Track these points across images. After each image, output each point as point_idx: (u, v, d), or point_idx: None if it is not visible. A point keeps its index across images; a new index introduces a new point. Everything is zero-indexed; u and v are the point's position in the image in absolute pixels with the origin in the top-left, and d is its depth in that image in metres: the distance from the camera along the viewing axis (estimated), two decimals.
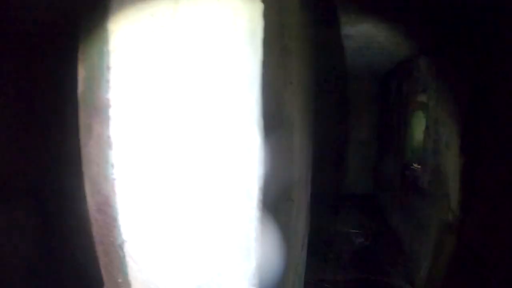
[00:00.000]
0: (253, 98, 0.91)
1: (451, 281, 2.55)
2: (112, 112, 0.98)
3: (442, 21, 2.54)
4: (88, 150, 1.06)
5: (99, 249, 1.11)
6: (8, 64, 1.96)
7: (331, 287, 3.57)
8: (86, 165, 1.09)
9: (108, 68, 0.97)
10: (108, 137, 0.98)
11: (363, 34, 3.33)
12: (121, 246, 1.02)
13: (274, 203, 1.18)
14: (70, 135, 1.27)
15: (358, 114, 6.57)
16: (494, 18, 1.99)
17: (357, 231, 4.84)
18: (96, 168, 1.04)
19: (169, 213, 0.98)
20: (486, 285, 2.00)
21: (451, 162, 2.64)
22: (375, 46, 3.77)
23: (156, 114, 0.95)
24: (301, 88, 1.52)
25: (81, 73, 1.06)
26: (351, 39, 3.53)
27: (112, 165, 0.99)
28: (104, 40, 0.97)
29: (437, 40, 3.00)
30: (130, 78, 0.96)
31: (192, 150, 0.95)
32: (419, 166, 3.80)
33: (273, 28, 0.99)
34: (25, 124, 2.11)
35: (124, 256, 1.02)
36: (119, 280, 1.04)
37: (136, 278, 1.02)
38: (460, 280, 2.39)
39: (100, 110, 0.99)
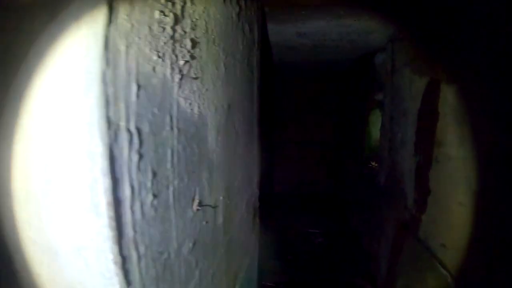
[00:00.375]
0: (92, 101, 0.72)
1: (410, 279, 2.53)
2: None
3: (400, 14, 2.51)
4: None
5: None
6: None
7: None
8: None
9: None
10: None
11: (317, 31, 3.27)
12: None
13: (180, 213, 1.03)
14: None
15: (318, 114, 6.59)
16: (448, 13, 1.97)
17: (317, 230, 4.80)
18: None
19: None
20: (443, 282, 1.98)
21: (406, 160, 2.62)
22: (330, 45, 3.74)
23: None
24: (220, 86, 1.36)
25: None
26: (305, 37, 3.47)
27: None
28: None
29: (392, 36, 3.00)
30: None
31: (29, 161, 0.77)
32: (377, 165, 3.81)
33: None
34: None
35: None
36: None
37: None
38: (418, 278, 2.37)
39: None
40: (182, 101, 1.03)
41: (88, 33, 0.71)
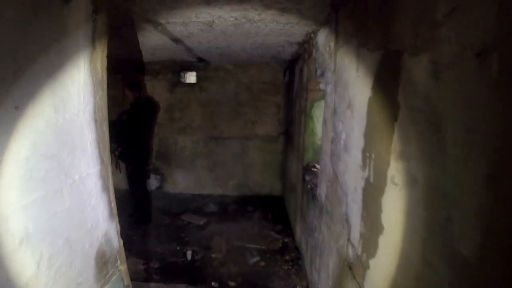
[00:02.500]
0: None
1: None
2: None
3: None
4: None
5: None
6: None
7: None
8: None
9: None
10: None
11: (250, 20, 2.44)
12: None
13: None
14: None
15: (263, 109, 5.75)
16: None
17: (254, 246, 3.99)
18: None
19: None
20: None
21: (351, 174, 1.83)
22: (264, 32, 2.92)
23: None
24: None
25: None
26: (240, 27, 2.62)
27: None
28: None
29: (334, 7, 2.18)
30: None
31: None
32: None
33: None
34: None
35: None
36: None
37: None
38: None
39: None
40: None
41: None
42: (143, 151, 4.64)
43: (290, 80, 5.17)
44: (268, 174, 5.96)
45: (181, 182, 6.07)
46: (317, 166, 3.44)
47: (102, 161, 1.49)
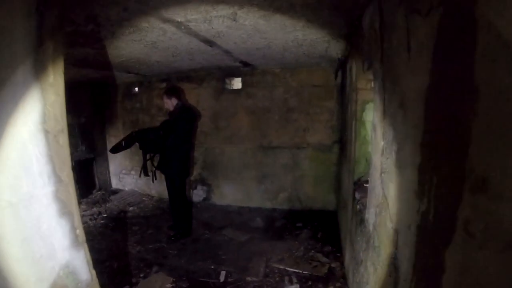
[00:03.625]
0: None
1: None
2: None
3: None
4: None
5: None
6: None
7: None
8: None
9: None
10: None
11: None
12: None
13: None
14: None
15: (315, 115, 5.21)
16: None
17: (297, 270, 3.46)
18: None
19: None
20: None
21: (403, 203, 1.27)
22: (301, 24, 2.45)
23: None
24: None
25: None
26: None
27: None
28: None
29: None
30: None
31: None
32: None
33: None
34: None
35: None
36: None
37: None
38: None
39: None
40: None
41: None
42: (183, 161, 4.45)
43: (342, 82, 4.58)
44: (321, 187, 5.37)
45: (228, 194, 5.78)
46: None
47: (58, 180, 1.18)
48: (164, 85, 5.75)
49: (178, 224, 4.48)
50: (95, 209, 5.50)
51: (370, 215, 1.96)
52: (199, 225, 4.88)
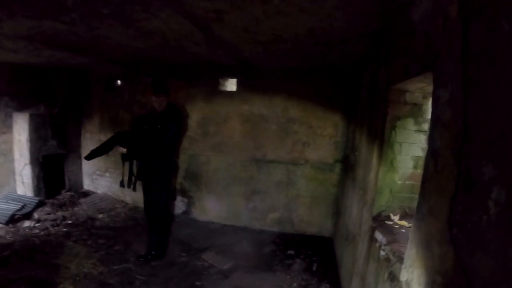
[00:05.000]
0: None
1: None
2: None
3: None
4: None
5: None
6: None
7: None
8: None
9: None
10: None
11: None
12: None
13: None
14: None
15: (318, 129, 4.63)
16: None
17: None
18: None
19: None
20: None
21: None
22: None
23: None
24: None
25: None
26: None
27: None
28: None
29: None
30: None
31: None
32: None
33: None
34: None
35: None
36: None
37: None
38: None
39: None
40: None
41: None
42: (170, 170, 3.80)
43: (353, 94, 4.03)
44: (317, 210, 4.75)
45: (212, 209, 5.10)
46: (396, 220, 2.22)
47: None
48: (148, 80, 5.09)
49: (156, 244, 3.80)
50: (59, 213, 4.74)
51: (412, 277, 1.35)
52: (175, 244, 4.19)
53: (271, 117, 4.72)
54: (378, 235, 2.09)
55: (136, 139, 3.59)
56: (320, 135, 4.60)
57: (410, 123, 2.16)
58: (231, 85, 4.87)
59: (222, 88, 4.90)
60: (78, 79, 5.77)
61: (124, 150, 3.62)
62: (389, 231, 2.07)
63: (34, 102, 5.22)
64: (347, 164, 4.04)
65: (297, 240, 4.57)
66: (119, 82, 5.56)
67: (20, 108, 5.05)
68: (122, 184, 3.84)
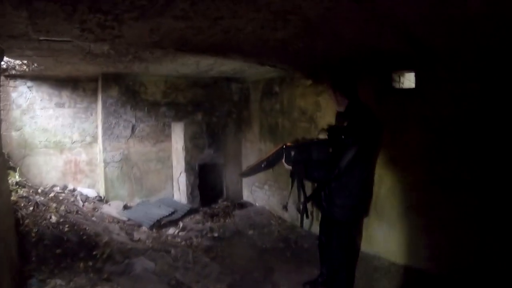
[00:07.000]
0: None
1: None
2: None
3: None
4: None
5: None
6: None
7: None
8: None
9: None
10: None
11: None
12: None
13: None
14: None
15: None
16: None
17: None
18: None
19: None
20: None
21: None
22: None
23: None
24: None
25: None
26: None
27: None
28: None
29: None
30: None
31: None
32: None
33: None
34: None
35: None
36: None
37: None
38: None
39: None
40: None
41: None
42: (361, 194, 2.68)
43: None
44: None
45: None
46: None
47: None
48: (309, 82, 4.53)
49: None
50: (208, 224, 4.76)
51: None
52: None
53: None
54: None
55: (314, 153, 2.62)
56: None
57: None
58: (406, 80, 3.66)
59: (398, 85, 3.73)
60: (239, 87, 5.86)
61: (289, 167, 2.66)
62: None
63: (191, 111, 5.57)
64: None
65: None
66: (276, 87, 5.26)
67: (178, 118, 5.45)
68: (305, 213, 2.83)
